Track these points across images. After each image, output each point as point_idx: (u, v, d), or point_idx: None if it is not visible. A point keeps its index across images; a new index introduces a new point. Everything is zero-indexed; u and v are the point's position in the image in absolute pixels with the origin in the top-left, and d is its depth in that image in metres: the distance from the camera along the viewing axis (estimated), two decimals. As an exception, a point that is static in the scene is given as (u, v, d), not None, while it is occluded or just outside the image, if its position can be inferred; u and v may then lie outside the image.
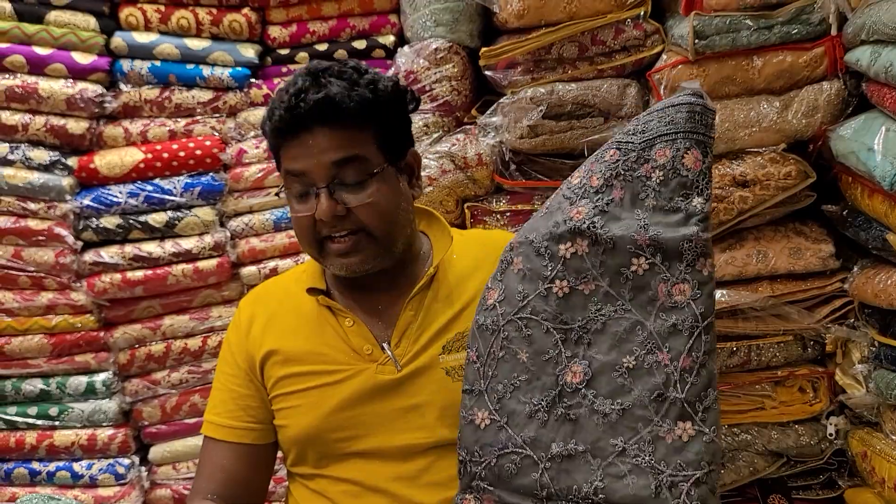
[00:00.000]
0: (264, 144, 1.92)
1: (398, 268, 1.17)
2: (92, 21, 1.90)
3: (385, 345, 1.14)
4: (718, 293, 1.63)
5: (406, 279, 1.18)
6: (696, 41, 1.58)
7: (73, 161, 1.92)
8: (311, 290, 1.18)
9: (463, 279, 1.18)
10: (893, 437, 1.54)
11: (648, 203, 0.97)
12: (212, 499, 1.16)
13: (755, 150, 1.64)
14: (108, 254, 1.91)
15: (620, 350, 0.96)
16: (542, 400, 0.99)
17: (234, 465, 1.18)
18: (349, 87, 1.07)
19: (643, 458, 0.93)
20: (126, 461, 1.97)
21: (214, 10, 1.89)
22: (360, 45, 1.93)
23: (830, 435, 1.66)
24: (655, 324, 0.95)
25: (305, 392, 1.15)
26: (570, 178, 1.06)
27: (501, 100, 1.78)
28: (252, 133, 1.94)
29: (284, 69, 1.95)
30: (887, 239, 1.49)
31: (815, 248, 1.64)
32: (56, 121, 1.91)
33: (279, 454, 1.25)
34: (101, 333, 1.95)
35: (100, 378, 1.96)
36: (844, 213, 1.62)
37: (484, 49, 1.79)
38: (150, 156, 1.91)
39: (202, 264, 1.92)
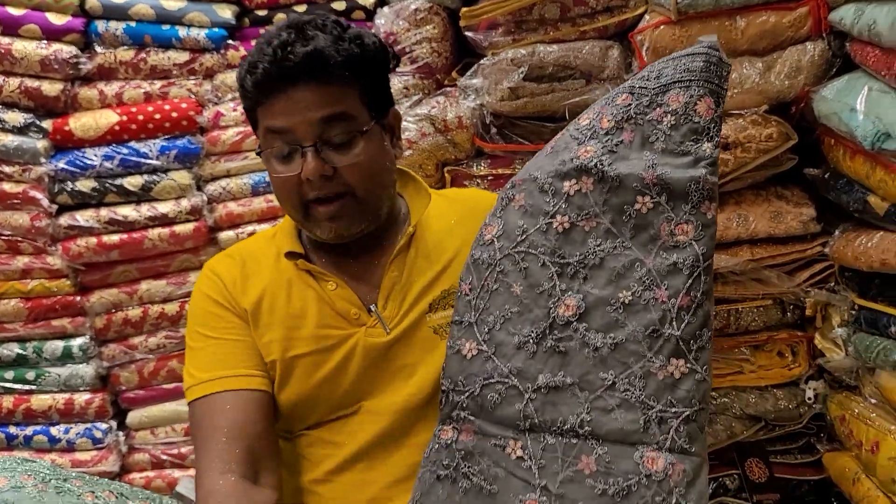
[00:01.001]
0: (242, 107, 1.89)
1: (377, 229, 1.15)
2: (66, -20, 1.87)
3: (372, 307, 1.12)
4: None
5: (385, 240, 1.16)
6: (679, 1, 1.55)
7: (47, 123, 1.90)
8: (290, 255, 1.14)
9: (442, 237, 1.17)
10: (872, 401, 1.54)
11: (658, 146, 0.97)
12: (238, 472, 1.02)
13: (736, 111, 1.61)
14: (84, 217, 1.89)
15: (617, 285, 0.96)
16: (532, 331, 0.98)
17: (258, 418, 1.06)
18: (335, 41, 1.03)
19: (633, 393, 0.92)
20: (103, 426, 1.97)
21: (190, -31, 1.86)
22: (339, 6, 1.90)
23: (809, 399, 1.66)
24: (655, 262, 0.94)
25: (292, 360, 1.11)
26: (577, 120, 1.05)
27: (482, 61, 1.75)
28: (229, 96, 1.91)
29: (262, 30, 1.91)
30: (868, 201, 1.47)
31: (796, 212, 1.62)
32: (30, 82, 1.89)
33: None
34: (78, 298, 1.94)
35: (76, 343, 1.95)
36: (826, 176, 1.61)
37: (464, 9, 1.75)
38: (125, 118, 1.88)
39: (179, 228, 1.90)
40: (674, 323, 0.92)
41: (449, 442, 1.02)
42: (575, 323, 0.96)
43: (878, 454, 1.43)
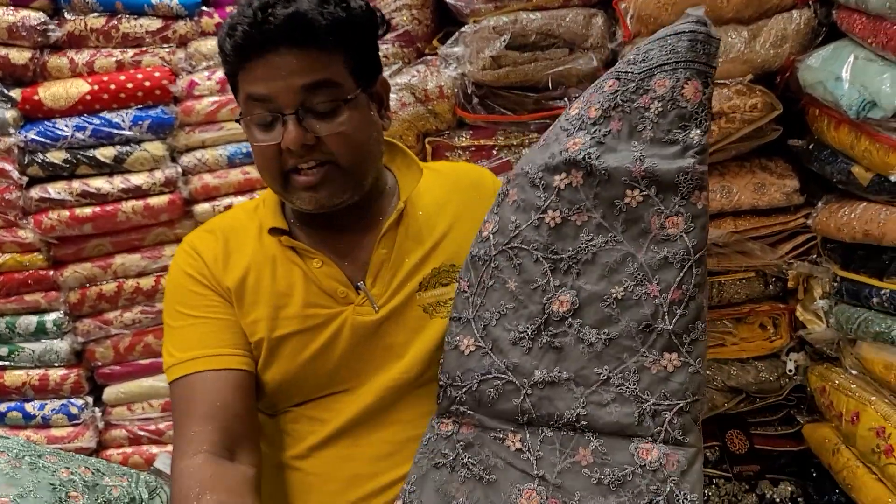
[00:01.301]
0: (216, 76, 1.85)
1: (363, 204, 1.11)
2: (32, -56, 1.81)
3: (360, 284, 1.09)
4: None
5: (372, 215, 1.12)
6: (664, -34, 1.52)
7: (16, 93, 1.84)
8: (274, 231, 1.10)
9: (432, 214, 1.13)
10: (852, 372, 1.54)
11: (646, 135, 0.94)
12: (211, 451, 0.99)
13: (722, 81, 1.59)
14: (55, 190, 1.84)
15: (610, 281, 0.95)
16: (528, 328, 0.98)
17: (236, 398, 1.04)
18: (320, 4, 0.98)
19: (627, 387, 0.92)
20: (79, 402, 1.94)
21: (162, -68, 1.81)
22: (316, -29, 1.85)
23: (790, 371, 1.66)
24: (646, 256, 0.93)
25: (278, 340, 1.08)
26: (568, 110, 1.03)
27: (463, 29, 1.72)
28: (203, 64, 1.86)
29: (237, -4, 1.87)
30: (852, 171, 1.46)
31: (779, 184, 1.61)
32: (-3, 50, 1.83)
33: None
34: (51, 272, 1.90)
35: (50, 318, 1.92)
36: (810, 146, 1.59)
37: (445, -25, 1.72)
38: (96, 87, 1.83)
39: (153, 201, 1.86)
40: (666, 317, 0.92)
41: (449, 433, 1.02)
42: (569, 319, 0.96)
43: (857, 425, 1.43)
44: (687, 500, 0.88)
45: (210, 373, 1.04)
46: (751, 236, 1.63)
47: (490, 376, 0.99)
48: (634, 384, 0.92)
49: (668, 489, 0.89)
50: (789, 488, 1.66)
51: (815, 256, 1.61)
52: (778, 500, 1.65)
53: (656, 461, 0.90)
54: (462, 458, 1.00)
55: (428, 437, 1.04)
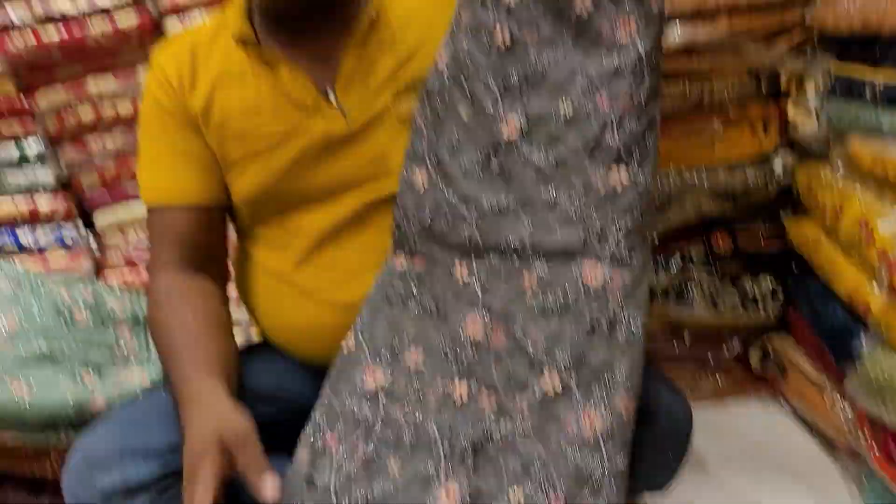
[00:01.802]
0: None
1: (333, 10, 1.06)
2: None
3: (330, 94, 1.06)
4: (673, 30, 1.54)
5: (342, 23, 1.07)
6: None
7: None
8: (241, 41, 1.07)
9: (405, 24, 1.08)
10: (839, 169, 1.54)
11: None
12: (181, 269, 1.07)
13: None
14: (16, 15, 1.75)
15: (559, 99, 0.91)
16: (478, 156, 0.95)
17: (207, 231, 1.10)
18: None
19: (573, 208, 0.90)
20: (72, 229, 1.95)
21: None
22: None
23: (778, 174, 1.66)
24: (597, 67, 0.88)
25: (249, 156, 1.07)
26: None
27: None
28: None
29: None
30: (854, -45, 1.38)
31: (778, -25, 1.53)
32: None
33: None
34: (24, 99, 1.84)
35: (30, 147, 1.89)
36: (813, -68, 1.50)
37: None
38: None
39: (121, 21, 1.77)
40: (615, 131, 0.87)
41: (403, 269, 1.01)
42: (518, 142, 0.93)
43: (841, 218, 1.45)
44: (631, 320, 0.87)
45: (178, 207, 1.08)
46: (745, 35, 1.57)
47: (442, 209, 0.98)
48: (581, 205, 0.89)
49: (611, 311, 0.87)
50: (770, 283, 1.71)
51: (809, 49, 1.56)
52: (759, 293, 1.71)
53: (600, 284, 0.88)
54: (413, 293, 1.00)
55: (382, 274, 1.04)
